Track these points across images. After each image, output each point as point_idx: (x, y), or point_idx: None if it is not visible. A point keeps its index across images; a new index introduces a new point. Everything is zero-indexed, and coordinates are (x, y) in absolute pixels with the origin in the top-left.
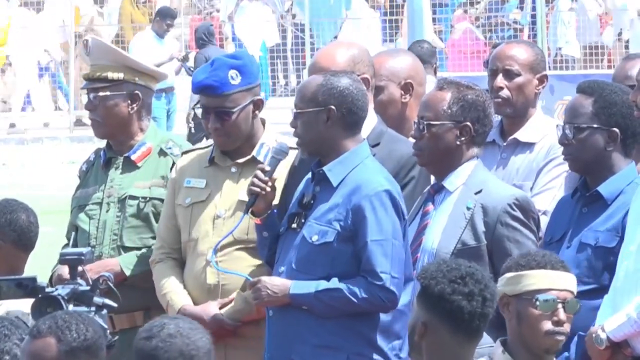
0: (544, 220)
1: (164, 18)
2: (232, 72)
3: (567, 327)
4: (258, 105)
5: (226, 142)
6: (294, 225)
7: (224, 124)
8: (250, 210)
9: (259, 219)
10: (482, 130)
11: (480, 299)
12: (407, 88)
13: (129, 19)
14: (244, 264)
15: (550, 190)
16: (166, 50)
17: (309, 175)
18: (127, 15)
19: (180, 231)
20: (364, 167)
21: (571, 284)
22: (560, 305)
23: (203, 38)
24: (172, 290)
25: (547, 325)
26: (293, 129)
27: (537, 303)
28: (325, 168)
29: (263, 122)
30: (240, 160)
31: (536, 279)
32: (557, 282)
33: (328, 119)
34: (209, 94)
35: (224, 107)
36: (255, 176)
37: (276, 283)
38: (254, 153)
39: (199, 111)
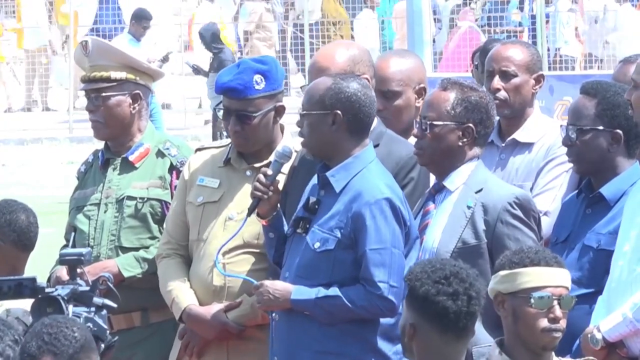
0: (545, 221)
1: (140, 21)
2: (257, 77)
3: (563, 324)
4: (280, 111)
5: (244, 144)
6: (299, 230)
7: (244, 127)
8: (256, 212)
9: (265, 221)
10: (484, 131)
11: (466, 298)
12: (420, 92)
13: (332, 14)
14: (250, 267)
15: (551, 191)
16: (142, 53)
17: (315, 178)
18: (331, 10)
19: (189, 229)
20: (367, 173)
21: (565, 279)
22: (555, 302)
23: (212, 42)
24: (179, 288)
25: (544, 322)
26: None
27: (533, 301)
28: (328, 174)
29: (282, 128)
30: (257, 165)
31: (530, 277)
32: (551, 278)
33: (333, 123)
34: (231, 97)
35: (245, 110)
36: (257, 180)
37: (278, 287)
38: (271, 158)
39: (220, 112)
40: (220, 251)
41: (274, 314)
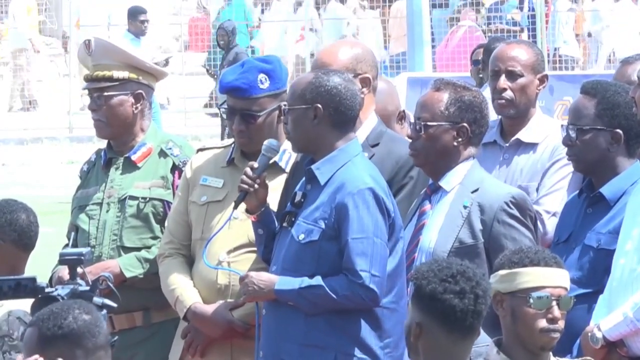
0: (553, 222)
1: (135, 17)
2: (262, 76)
3: (561, 324)
4: (284, 110)
5: (248, 144)
6: (285, 224)
7: (248, 126)
8: (245, 208)
9: (253, 217)
10: (478, 131)
11: (472, 297)
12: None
13: None
14: (255, 267)
15: (559, 191)
16: (142, 52)
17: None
18: None
19: (192, 228)
20: (351, 165)
21: (564, 280)
22: (554, 303)
23: (233, 38)
24: (182, 287)
25: (542, 323)
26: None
27: (531, 301)
28: (313, 167)
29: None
30: None
31: (530, 277)
32: (550, 279)
33: (315, 117)
34: (236, 96)
35: (250, 110)
36: (244, 173)
37: (263, 278)
38: (275, 158)
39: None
40: (209, 243)
41: (263, 310)
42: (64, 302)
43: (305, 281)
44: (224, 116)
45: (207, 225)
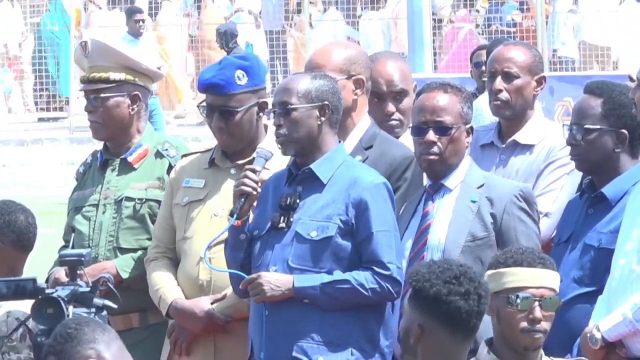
0: (546, 222)
1: (130, 16)
2: (239, 73)
3: (544, 325)
4: (262, 107)
5: (229, 141)
6: (282, 225)
7: (227, 123)
8: (231, 212)
9: (240, 222)
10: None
11: (476, 297)
12: (415, 90)
13: None
14: None
15: (552, 192)
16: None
17: (281, 177)
18: None
19: (176, 230)
20: (350, 165)
21: (549, 281)
22: (536, 303)
23: (230, 40)
24: (164, 285)
25: (523, 323)
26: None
27: (512, 301)
28: (312, 166)
29: (265, 127)
30: (241, 162)
31: (512, 277)
32: (532, 279)
33: (321, 115)
34: (214, 93)
35: (228, 106)
36: (246, 176)
37: (278, 277)
38: (254, 155)
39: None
40: (208, 248)
41: (265, 311)
42: (56, 329)
43: (326, 277)
44: (204, 115)
45: (189, 224)
